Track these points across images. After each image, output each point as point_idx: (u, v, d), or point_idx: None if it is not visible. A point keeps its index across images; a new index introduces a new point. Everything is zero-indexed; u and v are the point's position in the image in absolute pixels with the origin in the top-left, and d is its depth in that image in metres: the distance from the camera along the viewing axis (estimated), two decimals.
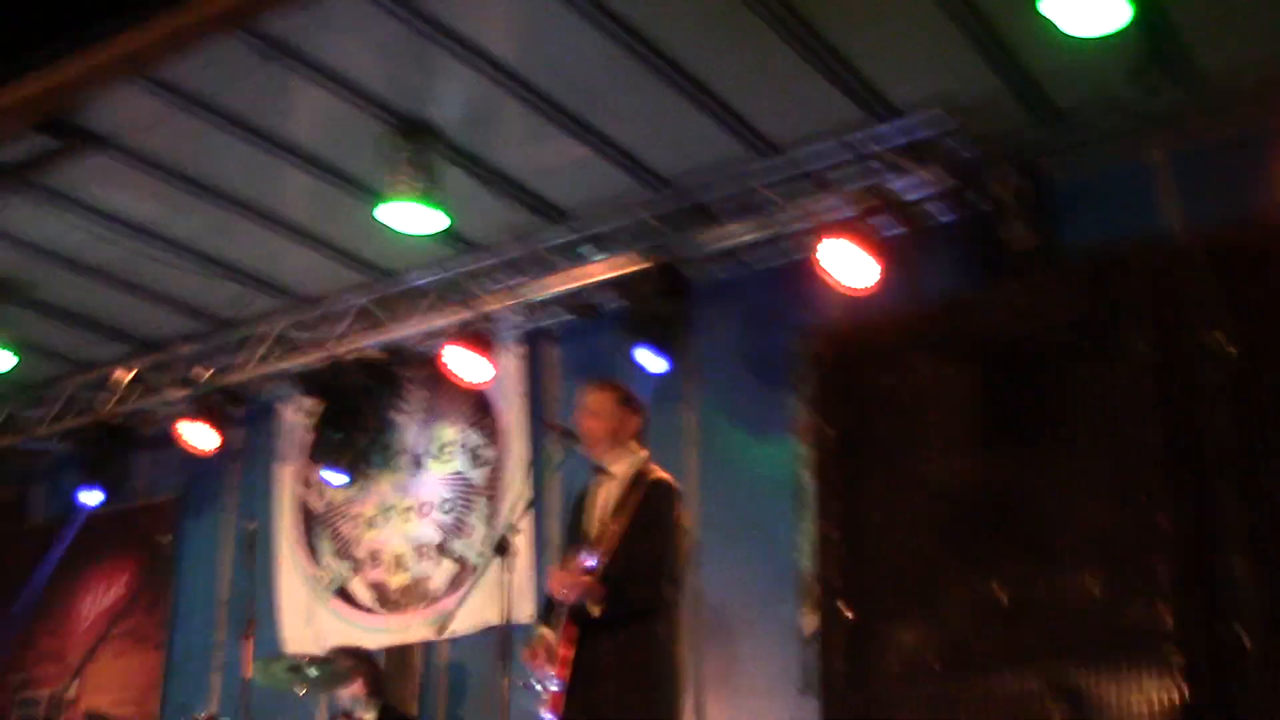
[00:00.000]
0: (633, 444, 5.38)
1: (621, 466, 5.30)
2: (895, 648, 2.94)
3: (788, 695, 6.75)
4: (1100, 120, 6.31)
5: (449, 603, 8.03)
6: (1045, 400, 2.74)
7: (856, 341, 3.11)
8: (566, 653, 4.92)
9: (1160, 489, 2.58)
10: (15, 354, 8.36)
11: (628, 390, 5.51)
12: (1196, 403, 2.57)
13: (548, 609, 5.21)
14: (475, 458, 8.27)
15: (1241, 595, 2.49)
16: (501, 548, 5.05)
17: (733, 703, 7.02)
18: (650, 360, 7.18)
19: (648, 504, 5.17)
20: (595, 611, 4.87)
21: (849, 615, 3.07)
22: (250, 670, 6.51)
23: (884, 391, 3.01)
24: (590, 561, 4.90)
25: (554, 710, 4.96)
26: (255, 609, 6.79)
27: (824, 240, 6.65)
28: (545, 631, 5.09)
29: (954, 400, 2.89)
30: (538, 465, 7.76)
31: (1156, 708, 2.58)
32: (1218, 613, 2.51)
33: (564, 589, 4.87)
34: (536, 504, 7.20)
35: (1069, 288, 2.71)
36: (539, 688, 5.05)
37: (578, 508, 5.39)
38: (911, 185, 6.62)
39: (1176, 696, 2.56)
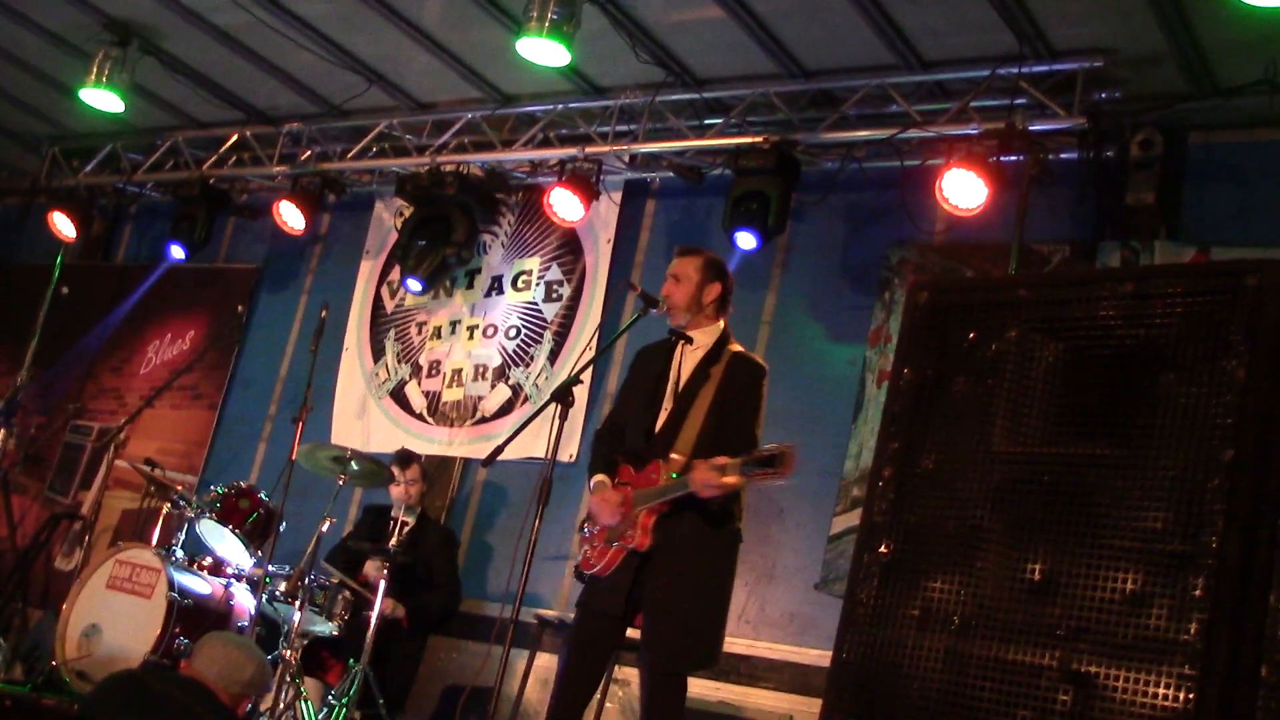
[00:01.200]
0: (715, 315, 5.31)
1: (703, 335, 5.25)
2: (921, 596, 2.97)
3: (804, 587, 6.90)
4: (1256, 104, 6.14)
5: (496, 427, 8.17)
6: (1124, 397, 2.72)
7: (954, 292, 3.09)
8: (648, 521, 4.98)
9: (1217, 510, 2.58)
10: (124, 99, 8.42)
11: (716, 259, 5.41)
12: (1276, 434, 2.55)
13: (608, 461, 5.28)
14: (551, 293, 8.33)
15: (1271, 630, 2.51)
16: (562, 395, 5.09)
17: (749, 582, 7.13)
18: (743, 236, 7.17)
19: (736, 378, 5.14)
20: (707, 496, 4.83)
21: (884, 552, 3.10)
22: (296, 452, 6.68)
23: (969, 347, 3.00)
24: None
25: (606, 564, 5.04)
26: (311, 394, 6.93)
27: (943, 157, 6.58)
28: (603, 480, 5.15)
29: (1034, 374, 2.88)
30: (609, 320, 7.81)
31: (1160, 712, 2.61)
32: (1243, 639, 2.53)
33: (712, 489, 4.77)
34: (601, 359, 7.26)
35: (1179, 289, 2.67)
36: (591, 533, 5.14)
37: (648, 366, 5.35)
38: (1047, 124, 6.49)
39: (1182, 705, 2.59)
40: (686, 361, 5.22)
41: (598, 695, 5.88)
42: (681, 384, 5.18)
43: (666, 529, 4.92)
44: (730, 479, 4.72)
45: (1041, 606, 2.81)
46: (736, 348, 5.27)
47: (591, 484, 5.16)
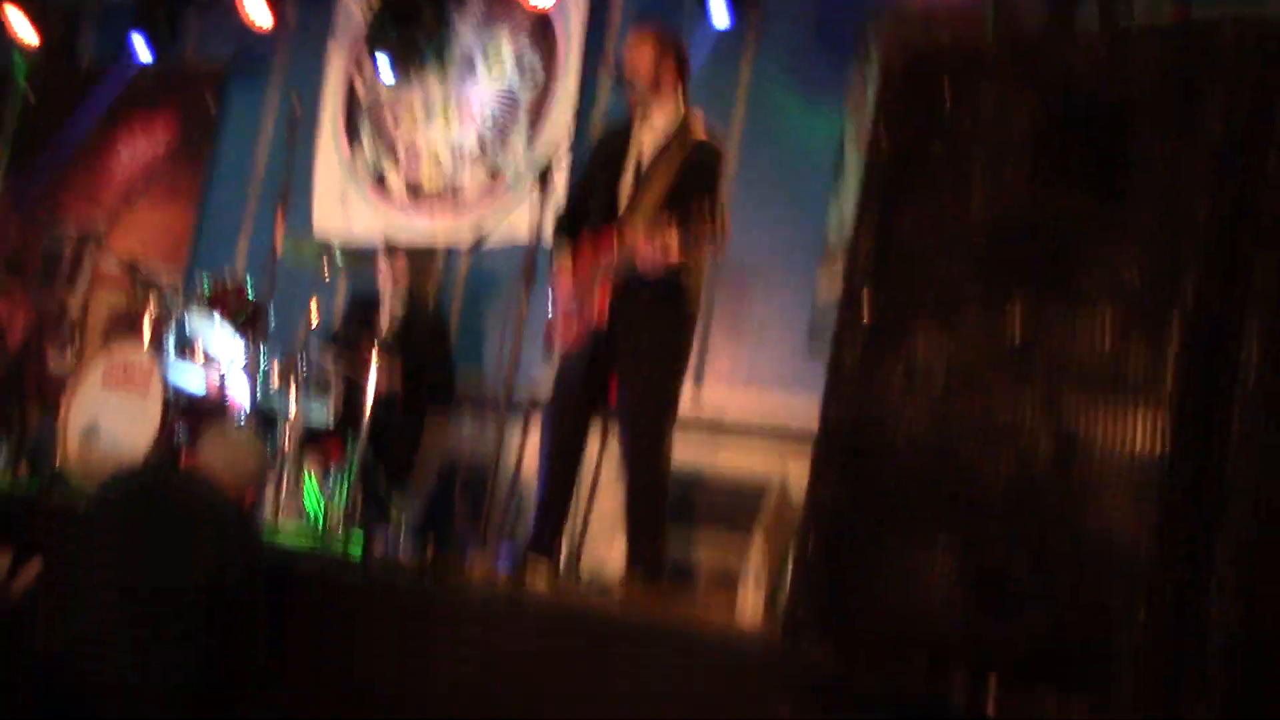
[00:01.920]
0: (673, 93, 5.30)
1: (662, 115, 5.26)
2: (905, 358, 3.04)
3: (791, 357, 7.00)
4: None
5: (479, 208, 8.17)
6: (1102, 155, 2.75)
7: (930, 58, 3.08)
8: (604, 301, 5.05)
9: (1195, 256, 2.63)
10: None
11: (672, 36, 5.42)
12: (1255, 191, 2.58)
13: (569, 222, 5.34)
14: (525, 73, 8.23)
15: (1247, 359, 2.58)
16: (543, 178, 5.11)
17: (736, 354, 7.25)
18: (717, 11, 7.07)
19: (694, 158, 5.17)
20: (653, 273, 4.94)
21: (867, 313, 3.17)
22: (280, 243, 6.69)
23: (946, 112, 3.00)
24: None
25: (569, 343, 5.15)
26: (291, 187, 6.89)
27: None
28: (565, 257, 5.22)
29: (1012, 137, 2.89)
30: (584, 100, 7.75)
31: (1139, 453, 2.70)
32: (1218, 389, 2.61)
33: (655, 264, 4.88)
34: (579, 141, 7.22)
35: (1155, 48, 2.67)
36: (553, 310, 5.23)
37: (608, 146, 5.40)
38: None
39: (1161, 447, 2.68)
40: (647, 141, 5.24)
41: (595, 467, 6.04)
42: (643, 164, 5.20)
43: (622, 305, 5.03)
44: (672, 252, 4.79)
45: (1022, 365, 2.89)
46: (696, 127, 5.28)
47: (554, 260, 5.22)
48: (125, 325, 8.41)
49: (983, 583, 2.80)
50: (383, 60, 8.44)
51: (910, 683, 2.79)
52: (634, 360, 5.08)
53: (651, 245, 4.80)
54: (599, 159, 5.41)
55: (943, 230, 2.98)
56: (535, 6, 7.79)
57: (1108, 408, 2.75)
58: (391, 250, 7.32)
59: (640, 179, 5.18)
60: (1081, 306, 2.78)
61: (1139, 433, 2.69)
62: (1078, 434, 2.77)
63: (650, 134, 5.26)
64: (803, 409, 6.67)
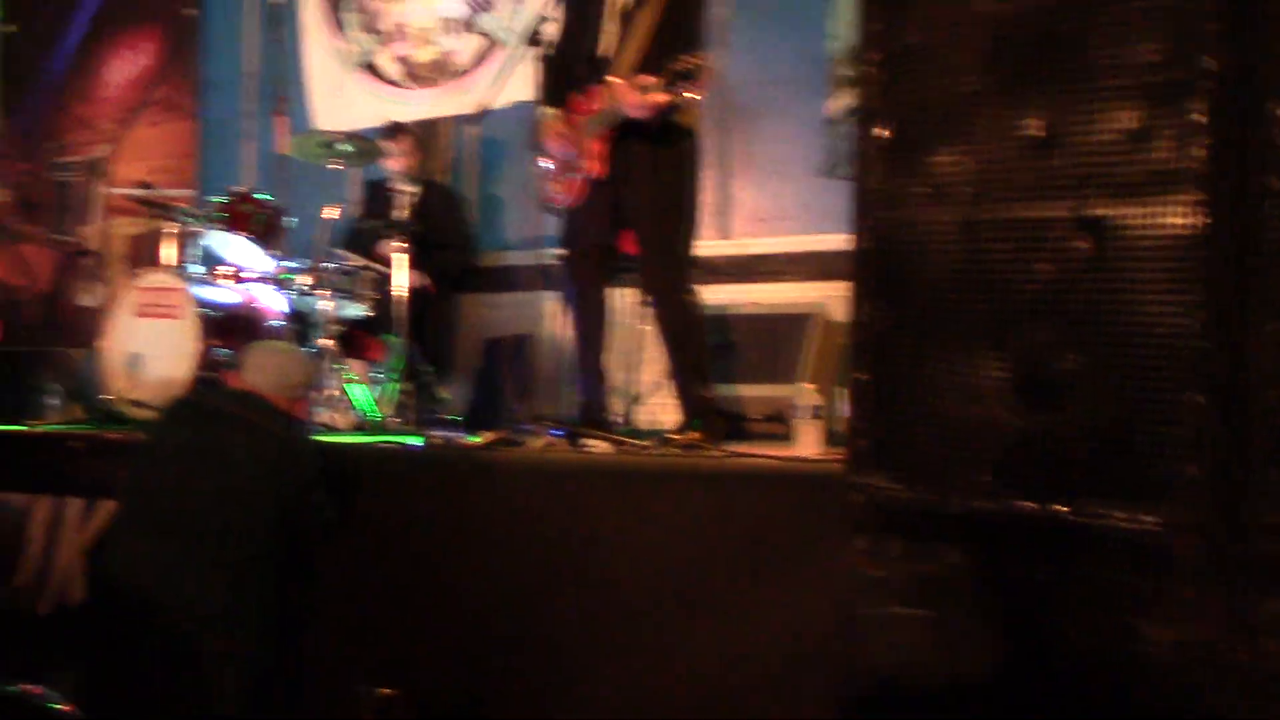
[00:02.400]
0: None
1: None
2: (926, 173, 2.99)
3: (810, 178, 6.92)
4: None
5: (476, 76, 8.06)
6: None
7: None
8: (603, 149, 4.99)
9: (1211, 32, 2.55)
10: None
11: None
12: None
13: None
14: None
15: (1275, 140, 2.52)
16: (534, 39, 5.02)
17: (756, 182, 7.17)
18: None
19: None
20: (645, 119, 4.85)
21: (884, 134, 3.11)
22: (283, 146, 6.62)
23: None
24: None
25: (573, 196, 5.10)
26: (285, 84, 6.80)
27: None
28: (554, 113, 5.15)
29: None
30: None
31: (1174, 238, 2.66)
32: (1249, 156, 2.56)
33: (640, 109, 4.79)
34: None
35: None
36: (549, 168, 5.17)
37: None
38: None
39: (1196, 227, 2.64)
40: None
41: (638, 323, 6.05)
42: (622, 6, 5.10)
43: (620, 153, 4.98)
44: (655, 96, 4.72)
45: (1046, 160, 2.84)
46: None
47: (539, 116, 5.15)
48: (147, 251, 8.41)
49: (1034, 388, 2.79)
50: None
51: (978, 500, 2.80)
52: (639, 206, 5.03)
53: (633, 87, 4.72)
54: (577, 5, 5.28)
55: (950, 34, 2.91)
56: None
57: (1138, 195, 2.70)
58: (395, 130, 7.24)
59: (621, 20, 5.08)
60: (1100, 94, 2.71)
61: (1172, 217, 2.65)
62: (1110, 225, 2.72)
63: None
64: (832, 231, 6.65)
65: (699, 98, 4.70)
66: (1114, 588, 2.66)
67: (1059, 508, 2.66)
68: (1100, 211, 2.75)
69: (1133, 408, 2.64)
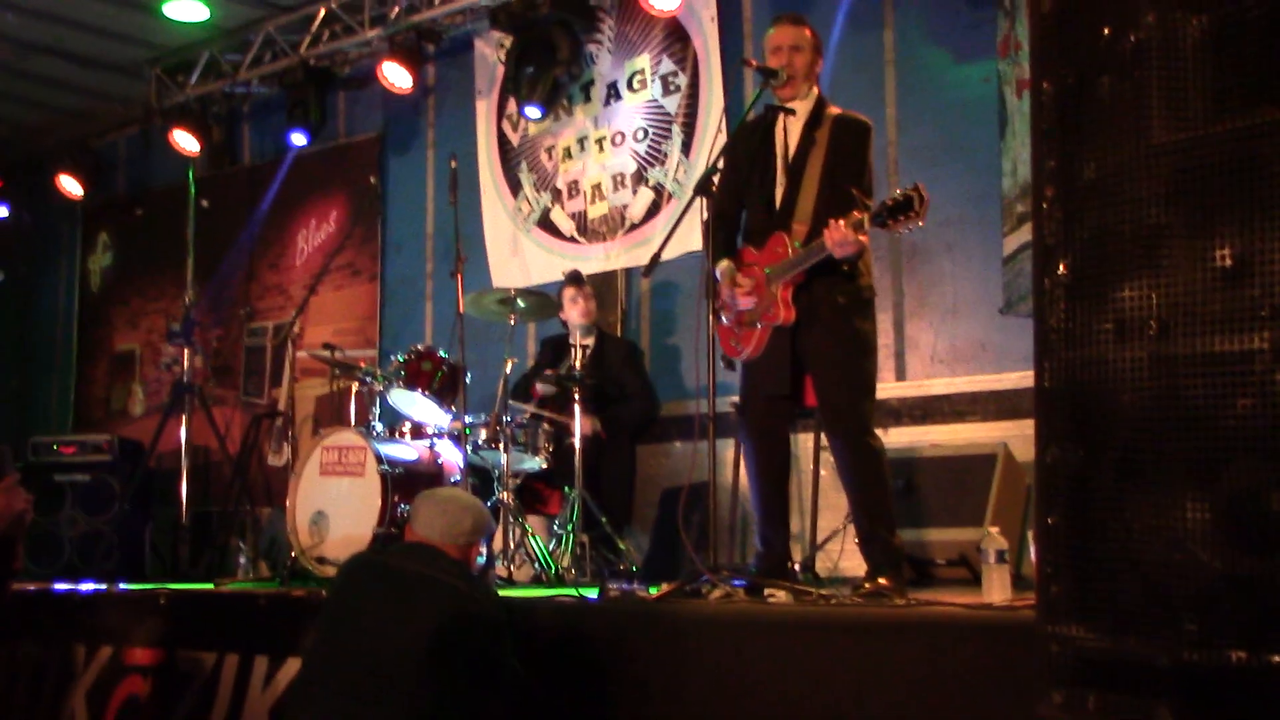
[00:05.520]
0: (812, 82, 5.27)
1: (803, 104, 5.20)
2: (1111, 309, 2.88)
3: (989, 315, 6.82)
4: None
5: (648, 230, 8.16)
6: None
7: None
8: (786, 294, 4.98)
9: None
10: (207, 3, 8.44)
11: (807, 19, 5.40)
12: None
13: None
14: (668, 86, 8.20)
15: None
16: (705, 186, 5.06)
17: (932, 323, 7.11)
18: None
19: (842, 139, 5.09)
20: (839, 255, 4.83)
21: (1064, 273, 3.01)
22: (462, 304, 6.76)
23: (1106, 43, 2.84)
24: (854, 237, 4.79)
25: (754, 347, 5.07)
26: (462, 244, 6.97)
27: None
28: (728, 264, 5.15)
29: (1182, 55, 2.71)
30: (732, 101, 7.68)
31: None
32: None
33: (843, 245, 4.77)
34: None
35: None
36: (725, 322, 5.16)
37: (748, 144, 5.28)
38: None
39: None
40: (791, 132, 5.18)
41: (810, 466, 5.97)
42: (791, 155, 5.15)
43: (805, 298, 4.97)
44: (865, 234, 4.76)
45: (1239, 290, 2.71)
46: (835, 110, 5.21)
47: (718, 271, 5.14)
48: (332, 410, 8.64)
49: (1242, 529, 2.63)
50: (526, 103, 8.51)
51: (1186, 650, 2.63)
52: (823, 350, 4.98)
53: (844, 228, 4.72)
54: (740, 158, 5.31)
55: (1127, 168, 2.82)
56: (662, 10, 7.78)
57: None
58: (574, 281, 7.35)
59: (791, 169, 5.12)
60: None
61: None
62: None
63: (792, 123, 5.19)
64: (1012, 369, 6.52)
65: (918, 226, 4.68)
66: None
67: (1274, 658, 2.48)
68: None
69: None
